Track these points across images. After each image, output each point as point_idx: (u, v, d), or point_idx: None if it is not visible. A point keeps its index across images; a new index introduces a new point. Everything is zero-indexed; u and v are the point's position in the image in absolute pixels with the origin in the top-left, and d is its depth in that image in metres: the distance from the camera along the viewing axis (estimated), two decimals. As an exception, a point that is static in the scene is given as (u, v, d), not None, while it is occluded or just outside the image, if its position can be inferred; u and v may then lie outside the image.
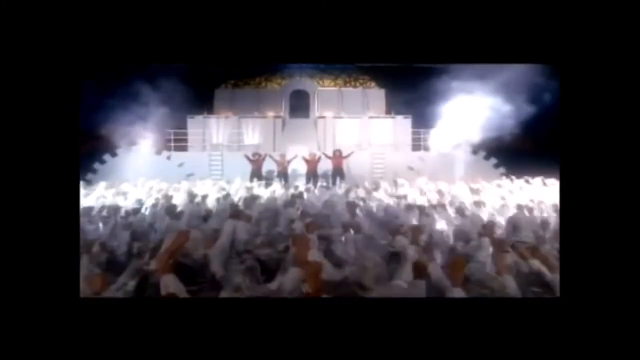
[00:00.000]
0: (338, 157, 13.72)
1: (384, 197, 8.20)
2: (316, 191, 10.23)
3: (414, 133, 17.89)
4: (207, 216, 5.64)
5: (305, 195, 7.88)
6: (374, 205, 6.89)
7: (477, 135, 16.09)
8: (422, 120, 18.07)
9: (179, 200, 8.04)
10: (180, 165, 15.74)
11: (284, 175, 13.46)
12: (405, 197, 7.34)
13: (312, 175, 13.52)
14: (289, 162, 13.76)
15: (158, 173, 13.99)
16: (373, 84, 21.22)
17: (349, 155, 14.02)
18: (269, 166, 14.10)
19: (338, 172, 13.58)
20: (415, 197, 8.20)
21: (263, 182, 10.49)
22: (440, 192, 8.15)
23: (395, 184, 10.78)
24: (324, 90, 19.60)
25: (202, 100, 18.56)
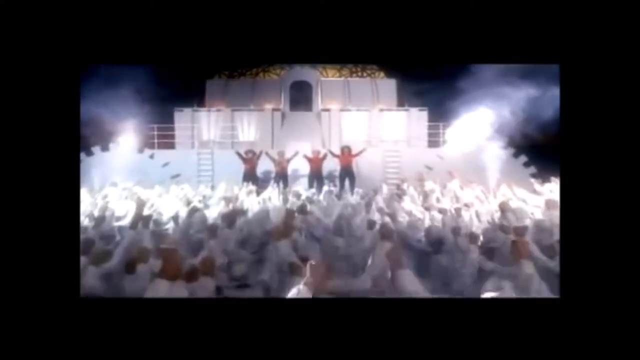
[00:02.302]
0: (346, 154, 11.58)
1: (414, 208, 6.16)
2: (321, 197, 8.21)
3: (430, 127, 15.83)
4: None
5: (308, 206, 5.80)
6: (404, 222, 4.86)
7: (503, 129, 14.06)
8: (439, 113, 16.06)
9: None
10: (165, 164, 13.74)
11: (282, 177, 11.40)
12: (448, 210, 5.25)
13: (316, 177, 11.42)
14: (289, 160, 11.66)
15: (139, 174, 12.12)
16: (382, 74, 19.22)
17: (359, 153, 11.91)
18: (266, 165, 12.08)
19: (347, 173, 11.48)
20: (454, 209, 6.15)
21: (253, 188, 8.31)
22: (504, 206, 5.95)
23: (421, 186, 8.71)
24: (327, 81, 17.51)
25: (191, 91, 16.58)
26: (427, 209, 5.90)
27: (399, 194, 7.00)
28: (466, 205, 5.79)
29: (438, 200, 6.97)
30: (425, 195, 7.66)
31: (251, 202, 6.39)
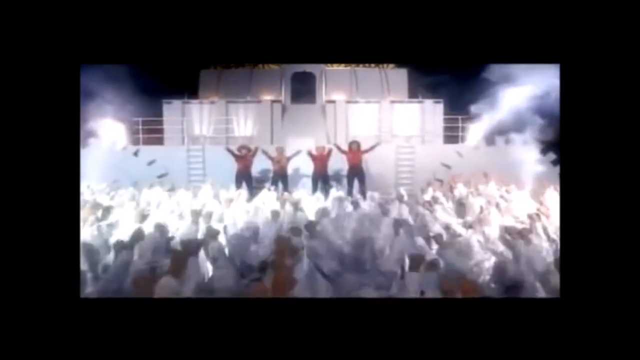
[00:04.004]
0: (355, 151, 9.98)
1: (453, 224, 4.62)
2: (327, 203, 6.69)
3: (447, 120, 14.25)
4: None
5: (317, 225, 4.22)
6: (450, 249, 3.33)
7: (528, 122, 12.54)
8: (456, 105, 14.52)
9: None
10: (150, 162, 12.23)
11: (281, 177, 9.83)
12: (523, 233, 3.69)
13: (321, 177, 9.83)
14: (289, 158, 10.08)
15: (120, 173, 10.67)
16: (391, 64, 17.64)
17: (371, 149, 10.31)
18: (263, 163, 10.51)
19: (356, 173, 9.87)
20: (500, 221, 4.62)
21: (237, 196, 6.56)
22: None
23: (450, 191, 7.13)
24: (332, 70, 15.88)
25: (182, 81, 15.03)
26: (471, 225, 4.36)
27: (430, 203, 5.40)
28: (531, 218, 4.25)
29: (482, 210, 5.41)
30: (460, 204, 6.08)
31: (234, 216, 4.86)
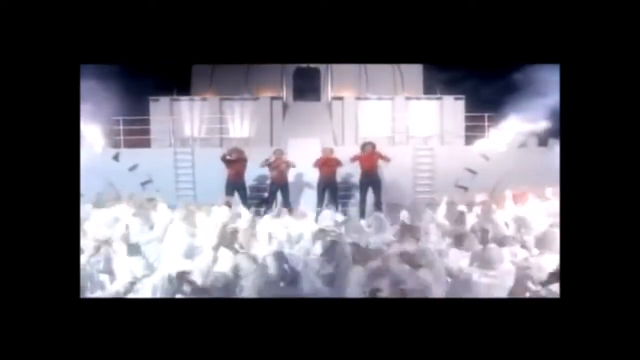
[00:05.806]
0: (369, 154, 8.34)
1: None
2: (338, 217, 5.08)
3: (469, 119, 12.62)
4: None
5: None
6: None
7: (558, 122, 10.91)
8: (479, 102, 12.94)
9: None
10: (132, 168, 10.75)
11: (280, 187, 8.22)
12: None
13: (328, 185, 8.21)
14: (289, 164, 8.42)
15: (95, 181, 9.22)
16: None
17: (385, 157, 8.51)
18: (260, 168, 8.92)
19: (370, 180, 8.25)
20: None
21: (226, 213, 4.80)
22: None
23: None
24: (339, 65, 14.23)
25: (170, 76, 13.48)
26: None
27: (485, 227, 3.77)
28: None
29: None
30: (518, 219, 4.41)
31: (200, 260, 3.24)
